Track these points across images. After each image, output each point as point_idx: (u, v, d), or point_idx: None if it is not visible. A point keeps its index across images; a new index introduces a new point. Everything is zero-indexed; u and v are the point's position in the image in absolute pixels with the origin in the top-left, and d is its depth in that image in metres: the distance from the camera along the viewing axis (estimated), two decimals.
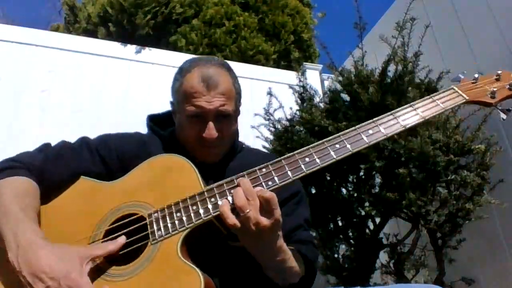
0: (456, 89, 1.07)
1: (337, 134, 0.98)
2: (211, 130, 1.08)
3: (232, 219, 0.86)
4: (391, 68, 2.36)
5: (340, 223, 2.57)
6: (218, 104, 1.08)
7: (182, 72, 1.13)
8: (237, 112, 1.18)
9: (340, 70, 2.56)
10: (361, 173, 2.44)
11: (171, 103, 1.20)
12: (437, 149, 2.13)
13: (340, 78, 2.52)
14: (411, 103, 1.05)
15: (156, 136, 1.21)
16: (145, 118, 1.27)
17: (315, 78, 4.58)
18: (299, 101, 2.81)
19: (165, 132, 1.21)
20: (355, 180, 2.49)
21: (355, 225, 2.51)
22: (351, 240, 2.58)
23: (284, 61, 5.88)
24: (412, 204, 2.12)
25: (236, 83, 1.16)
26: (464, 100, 1.05)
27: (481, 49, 3.00)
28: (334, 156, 0.94)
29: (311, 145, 0.97)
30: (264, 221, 0.87)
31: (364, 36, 2.43)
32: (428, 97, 1.06)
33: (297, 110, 2.75)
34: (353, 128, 0.99)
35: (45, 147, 1.11)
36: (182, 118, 1.12)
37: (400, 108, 1.03)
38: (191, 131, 1.11)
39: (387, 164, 2.21)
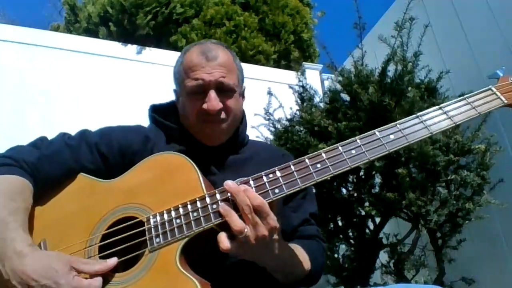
0: (495, 90, 0.94)
1: (353, 138, 0.89)
2: (213, 101, 1.03)
3: (227, 245, 0.84)
4: (391, 68, 2.36)
5: (340, 223, 2.57)
6: (218, 75, 1.04)
7: (182, 53, 1.14)
8: (240, 89, 1.13)
9: (340, 70, 2.56)
10: (361, 173, 2.44)
11: (174, 90, 1.17)
12: (437, 149, 2.12)
13: (340, 78, 2.52)
14: (440, 105, 0.92)
15: (160, 128, 1.16)
16: (147, 109, 1.21)
17: (315, 78, 4.59)
18: (299, 101, 2.81)
19: (169, 122, 1.16)
20: (355, 180, 2.49)
21: (355, 225, 2.51)
22: (351, 240, 2.58)
23: (284, 61, 5.89)
24: (412, 204, 2.12)
25: (236, 61, 1.14)
26: (503, 104, 0.92)
27: (481, 49, 2.99)
28: (349, 164, 0.86)
29: (323, 150, 0.89)
30: (262, 230, 0.84)
31: (364, 36, 2.43)
32: (461, 98, 0.93)
33: (297, 110, 2.75)
34: (371, 132, 0.89)
35: (41, 142, 1.05)
36: (184, 98, 1.09)
37: (428, 111, 0.92)
38: (193, 107, 1.06)
39: (387, 164, 2.21)
